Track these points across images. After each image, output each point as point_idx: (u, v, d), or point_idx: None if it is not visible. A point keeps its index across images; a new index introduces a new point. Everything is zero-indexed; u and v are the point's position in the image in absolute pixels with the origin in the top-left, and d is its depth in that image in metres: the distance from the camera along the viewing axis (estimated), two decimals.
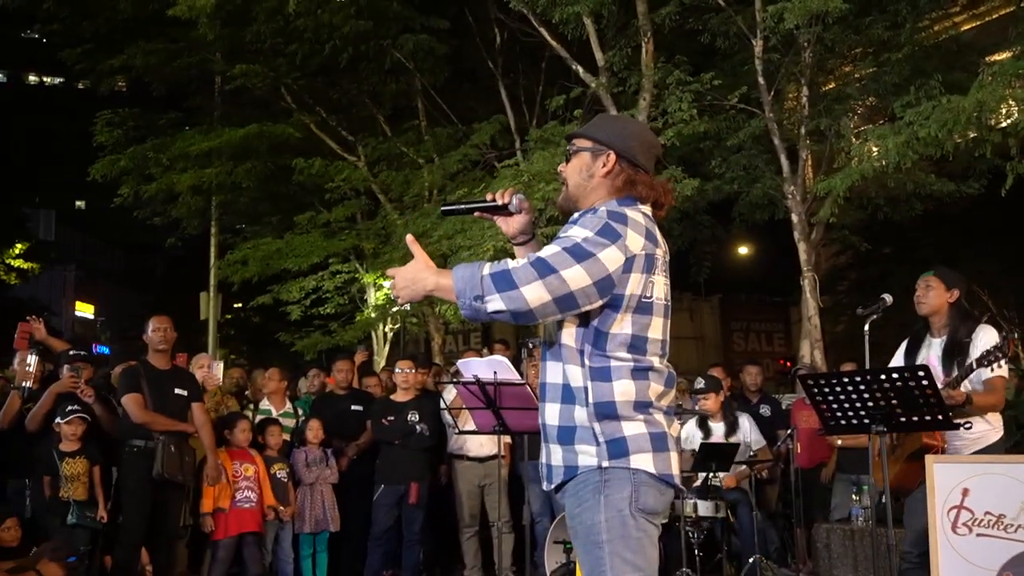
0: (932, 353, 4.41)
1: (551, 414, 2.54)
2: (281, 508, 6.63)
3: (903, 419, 3.96)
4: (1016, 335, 4.21)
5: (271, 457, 6.76)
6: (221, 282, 16.02)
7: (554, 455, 2.54)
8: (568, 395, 2.51)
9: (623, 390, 2.45)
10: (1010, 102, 8.29)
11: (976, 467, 3.99)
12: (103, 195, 17.51)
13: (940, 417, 3.91)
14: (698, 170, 11.16)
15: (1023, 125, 7.92)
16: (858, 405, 4.00)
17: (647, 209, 2.58)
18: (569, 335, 2.51)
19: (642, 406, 2.47)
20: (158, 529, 5.96)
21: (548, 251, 2.40)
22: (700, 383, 7.18)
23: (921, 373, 3.87)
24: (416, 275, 2.50)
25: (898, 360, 4.53)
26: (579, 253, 2.37)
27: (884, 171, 8.85)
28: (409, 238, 2.65)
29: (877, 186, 10.31)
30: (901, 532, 4.45)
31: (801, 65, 10.49)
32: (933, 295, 4.43)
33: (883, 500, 4.00)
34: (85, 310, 41.33)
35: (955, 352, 4.30)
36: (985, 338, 4.27)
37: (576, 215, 2.60)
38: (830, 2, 8.78)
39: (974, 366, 4.15)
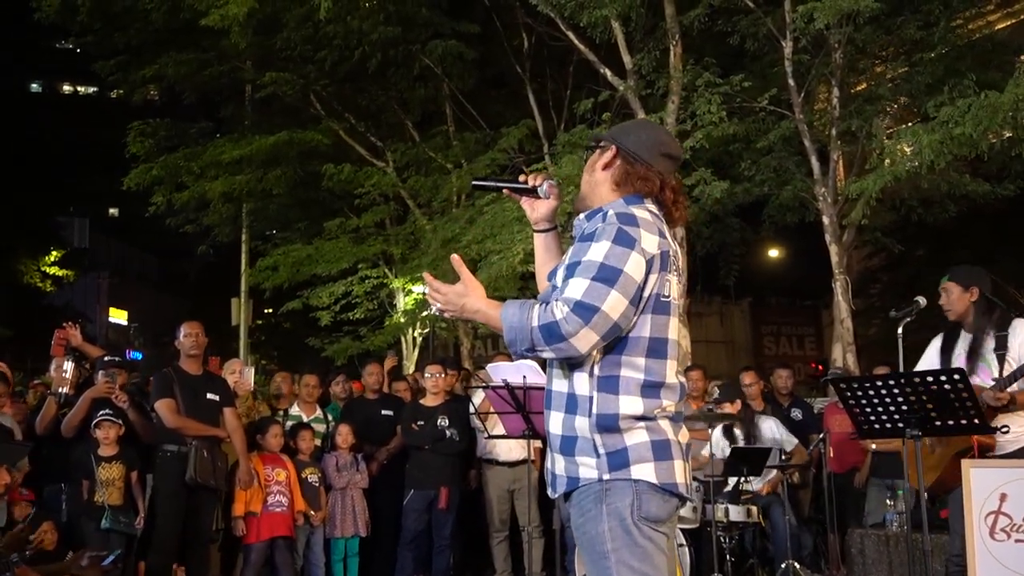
0: (967, 348, 4.38)
1: (555, 423, 2.52)
2: (312, 513, 6.66)
3: (938, 423, 3.91)
4: None
5: (302, 462, 6.79)
6: (252, 288, 16.17)
7: (558, 464, 2.53)
8: (572, 404, 2.48)
9: (629, 405, 2.43)
10: None
11: (1014, 472, 3.93)
12: (136, 203, 17.76)
13: (976, 421, 3.85)
14: (728, 172, 11.08)
15: None
16: (892, 409, 3.95)
17: (654, 207, 2.57)
18: None
19: (646, 416, 2.44)
20: (191, 533, 6.01)
21: (580, 287, 2.36)
22: (715, 393, 7.12)
23: (956, 376, 3.82)
24: (464, 301, 2.51)
25: (930, 357, 4.49)
26: (608, 276, 2.36)
27: (917, 172, 8.73)
28: (455, 259, 2.62)
29: (910, 187, 10.19)
30: (936, 538, 4.39)
31: (832, 66, 10.39)
32: (955, 299, 4.40)
33: (919, 504, 3.94)
34: (119, 316, 41.82)
35: (996, 347, 4.25)
36: (1022, 330, 4.23)
37: (583, 216, 2.61)
38: (861, 1, 8.69)
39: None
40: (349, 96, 14.51)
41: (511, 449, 7.03)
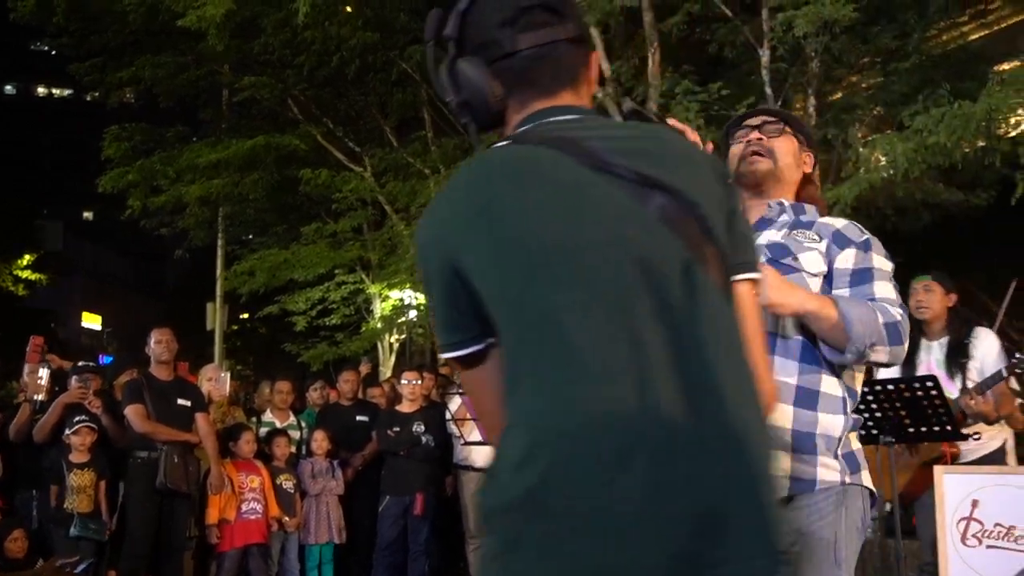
0: (932, 357, 4.40)
1: (783, 417, 2.23)
2: (286, 519, 6.62)
3: (911, 430, 3.93)
4: None
5: (277, 468, 6.74)
6: (228, 293, 16.07)
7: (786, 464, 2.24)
8: (812, 400, 2.24)
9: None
10: (1019, 111, 8.26)
11: (986, 478, 3.95)
12: (111, 206, 17.61)
13: (949, 428, 3.88)
14: None
15: None
16: (866, 416, 3.97)
17: None
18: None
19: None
20: (163, 541, 5.95)
21: (894, 293, 2.27)
22: None
23: (930, 383, 3.85)
24: (788, 290, 2.17)
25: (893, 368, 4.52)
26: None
27: (892, 180, 8.81)
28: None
29: (885, 196, 10.27)
30: (910, 544, 4.41)
31: (808, 75, 10.46)
32: (937, 300, 4.42)
33: (892, 511, 3.96)
34: (92, 321, 41.48)
35: (958, 355, 4.29)
36: (987, 340, 4.29)
37: (802, 208, 2.43)
38: (840, 10, 8.77)
39: (1004, 374, 4.13)
40: (327, 101, 14.47)
41: (488, 455, 6.99)
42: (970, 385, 4.23)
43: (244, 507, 6.40)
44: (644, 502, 1.15)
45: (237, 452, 6.57)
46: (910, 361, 4.43)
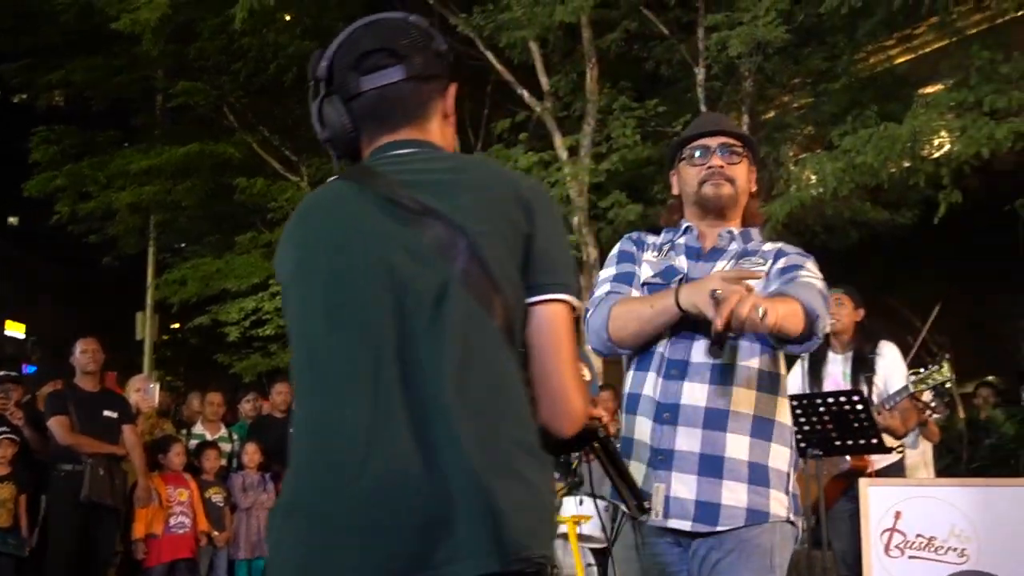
0: (838, 370, 4.51)
1: (738, 447, 2.27)
2: (215, 534, 6.50)
3: (838, 443, 4.01)
4: (947, 360, 4.30)
5: (207, 481, 6.63)
6: (159, 302, 15.73)
7: (733, 494, 2.26)
8: (766, 430, 2.31)
9: None
10: (942, 133, 8.53)
11: (909, 490, 4.07)
12: (38, 211, 17.12)
13: (875, 441, 3.97)
14: (642, 195, 11.27)
15: (955, 156, 8.15)
16: (795, 428, 4.03)
17: None
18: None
19: None
20: (88, 556, 5.80)
21: (814, 276, 2.33)
22: None
23: (856, 397, 3.93)
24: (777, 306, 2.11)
25: (797, 379, 4.61)
26: None
27: (822, 198, 9.03)
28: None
29: (815, 213, 10.51)
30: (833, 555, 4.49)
31: (742, 93, 10.67)
32: (847, 313, 4.53)
33: (818, 522, 4.04)
34: (16, 329, 40.19)
35: (863, 369, 4.41)
36: (890, 352, 4.41)
37: (749, 235, 2.51)
38: (772, 31, 8.97)
39: (910, 389, 4.23)
40: (264, 109, 14.29)
41: None
42: (875, 398, 4.34)
43: (172, 521, 6.27)
44: (375, 507, 1.32)
45: (166, 465, 6.44)
46: (817, 373, 4.53)
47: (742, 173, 2.48)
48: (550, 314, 1.47)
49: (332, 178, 1.64)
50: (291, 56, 12.51)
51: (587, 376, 1.79)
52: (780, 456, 2.31)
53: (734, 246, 2.46)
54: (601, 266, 2.62)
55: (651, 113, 10.53)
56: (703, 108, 10.45)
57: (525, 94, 11.48)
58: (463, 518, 1.31)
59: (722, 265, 2.40)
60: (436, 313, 1.40)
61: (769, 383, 2.33)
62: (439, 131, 1.66)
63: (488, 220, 1.46)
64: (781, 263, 2.39)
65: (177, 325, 19.67)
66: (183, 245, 16.62)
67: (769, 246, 2.48)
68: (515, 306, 1.45)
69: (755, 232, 2.52)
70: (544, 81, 11.35)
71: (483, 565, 1.30)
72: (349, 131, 1.63)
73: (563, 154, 11.04)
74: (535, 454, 1.41)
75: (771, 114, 12.13)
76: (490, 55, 11.70)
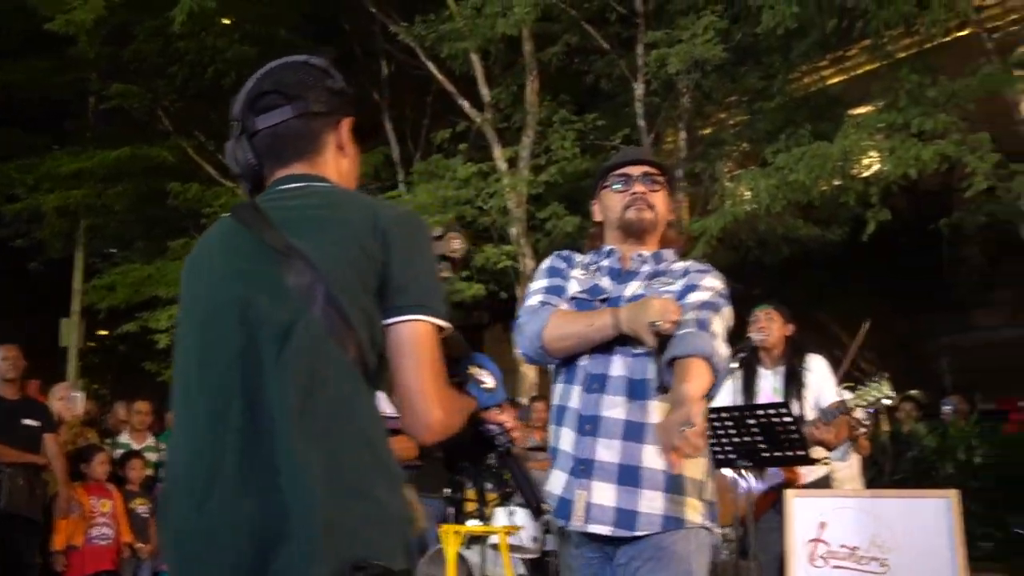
0: (768, 384, 4.57)
1: (655, 457, 2.35)
2: (139, 545, 6.34)
3: (766, 455, 4.06)
4: (886, 378, 4.38)
5: (131, 492, 6.47)
6: (86, 308, 15.35)
7: (651, 503, 2.37)
8: None
9: None
10: (872, 153, 8.75)
11: (834, 501, 4.13)
12: None
13: (801, 453, 4.03)
14: (580, 208, 11.34)
15: (884, 175, 8.36)
16: (724, 440, 4.08)
17: None
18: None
19: None
20: (6, 568, 5.61)
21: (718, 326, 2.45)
22: None
23: (784, 410, 3.99)
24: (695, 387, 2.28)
25: (727, 392, 4.67)
26: None
27: (755, 214, 9.19)
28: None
29: (748, 228, 10.70)
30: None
31: (679, 110, 10.83)
32: (776, 328, 4.60)
33: (745, 532, 4.08)
34: None
35: (794, 383, 4.48)
36: (819, 366, 4.50)
37: (661, 256, 2.64)
38: (710, 50, 9.12)
39: (848, 406, 4.31)
40: (200, 113, 14.06)
41: None
42: (807, 411, 4.41)
43: (94, 532, 6.10)
44: (220, 527, 1.49)
45: (88, 474, 6.26)
46: (749, 388, 4.59)
47: (661, 201, 2.65)
48: (404, 333, 1.60)
49: (224, 215, 1.78)
50: (229, 61, 12.36)
51: (490, 384, 1.81)
52: (695, 465, 2.41)
53: (646, 267, 2.61)
54: None
55: (590, 126, 10.63)
56: (641, 123, 10.58)
57: (466, 105, 11.50)
58: (300, 534, 1.45)
59: (635, 285, 2.55)
60: (283, 348, 1.53)
61: None
62: (333, 164, 1.80)
63: (345, 255, 1.59)
64: (684, 280, 2.54)
65: (105, 332, 19.20)
66: (113, 250, 16.24)
67: (678, 265, 2.63)
68: (369, 336, 1.59)
69: (668, 253, 2.67)
70: (485, 92, 11.39)
71: (315, 572, 1.43)
72: (253, 166, 1.78)
73: (502, 165, 11.08)
74: (382, 473, 1.55)
75: (708, 130, 12.34)
76: (431, 65, 11.70)
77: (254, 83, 1.84)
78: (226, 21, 12.64)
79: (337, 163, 1.81)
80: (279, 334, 1.54)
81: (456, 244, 2.05)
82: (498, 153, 11.16)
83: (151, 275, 13.44)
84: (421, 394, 1.58)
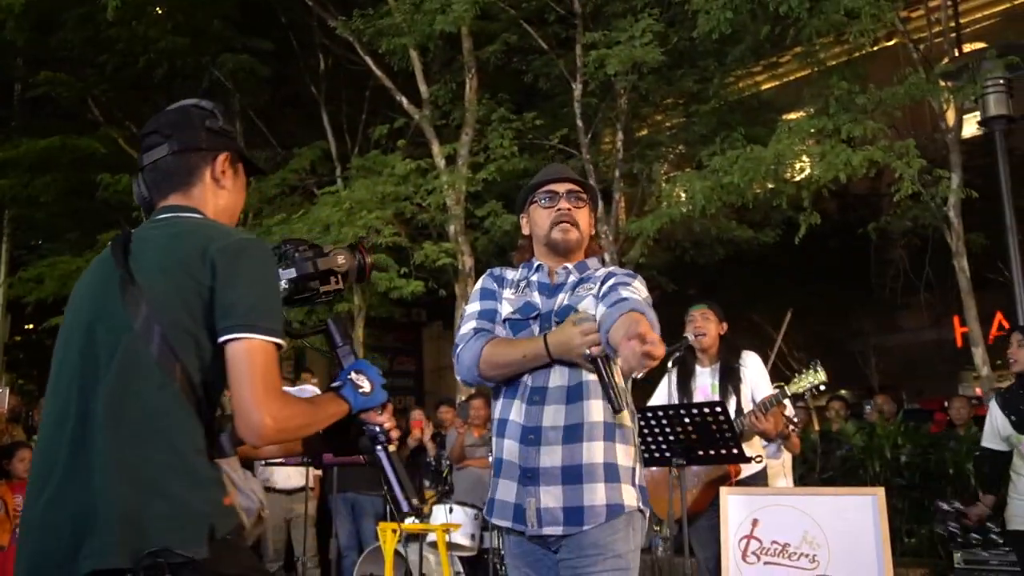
0: (706, 382, 4.68)
1: (595, 452, 2.58)
2: None
3: (701, 452, 4.14)
4: (820, 365, 4.49)
5: None
6: (12, 302, 14.92)
7: (593, 494, 2.55)
8: (612, 433, 2.62)
9: None
10: (803, 157, 8.95)
11: (766, 499, 4.23)
12: None
13: (735, 451, 4.12)
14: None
15: (815, 179, 8.56)
16: (660, 439, 4.15)
17: None
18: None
19: None
20: None
21: (633, 292, 2.59)
22: None
23: (718, 408, 4.07)
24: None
25: (664, 391, 4.76)
26: None
27: (691, 215, 9.32)
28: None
29: (684, 229, 10.87)
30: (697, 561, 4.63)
31: (617, 111, 10.93)
32: (711, 326, 4.70)
33: (681, 529, 4.16)
34: None
35: (730, 379, 4.59)
36: (754, 362, 4.63)
37: (585, 265, 2.81)
38: (648, 52, 9.23)
39: (781, 397, 4.40)
40: (132, 104, 13.76)
41: (289, 476, 6.85)
42: (745, 406, 4.52)
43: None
44: (47, 517, 1.76)
45: (13, 472, 6.11)
46: (686, 386, 4.69)
47: (585, 217, 2.83)
48: (232, 351, 1.79)
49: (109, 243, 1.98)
50: (162, 51, 12.12)
51: (366, 388, 2.00)
52: (625, 453, 2.62)
53: (571, 278, 2.78)
54: (476, 275, 2.78)
55: (528, 126, 10.68)
56: (579, 123, 10.66)
57: (404, 101, 11.46)
58: (104, 527, 1.69)
59: (562, 297, 2.73)
60: (110, 366, 1.78)
61: None
62: (210, 196, 2.02)
63: (175, 284, 1.81)
64: (610, 282, 2.69)
65: (31, 326, 18.69)
66: (40, 242, 15.80)
67: (601, 271, 2.78)
68: (197, 357, 1.81)
69: (591, 261, 2.84)
70: (423, 89, 11.36)
71: (112, 561, 1.67)
72: (145, 199, 2.04)
73: (441, 162, 11.06)
74: (187, 475, 1.76)
75: (645, 132, 12.48)
76: (369, 60, 11.62)
77: (147, 125, 2.07)
78: (158, 11, 12.39)
79: (215, 195, 2.03)
80: (110, 354, 1.79)
81: (341, 260, 2.15)
82: (436, 150, 11.14)
83: (80, 268, 13.09)
84: (250, 404, 1.75)
